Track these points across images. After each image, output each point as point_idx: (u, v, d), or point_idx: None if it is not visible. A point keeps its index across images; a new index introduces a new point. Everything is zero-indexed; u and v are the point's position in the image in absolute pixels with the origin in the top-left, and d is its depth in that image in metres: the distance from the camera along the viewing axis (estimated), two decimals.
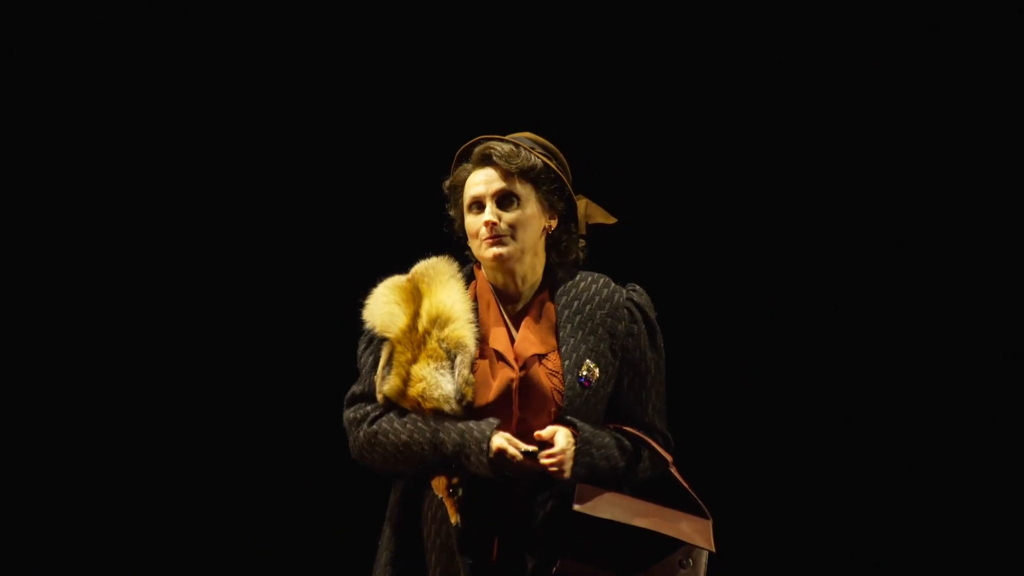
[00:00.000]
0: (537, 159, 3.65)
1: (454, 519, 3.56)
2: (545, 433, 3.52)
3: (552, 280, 3.71)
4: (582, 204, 3.74)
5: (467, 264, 3.74)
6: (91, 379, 5.28)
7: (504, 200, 3.64)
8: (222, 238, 5.31)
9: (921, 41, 5.24)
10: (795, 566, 5.27)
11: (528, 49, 5.29)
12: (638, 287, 3.75)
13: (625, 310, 3.69)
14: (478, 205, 3.65)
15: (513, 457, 3.48)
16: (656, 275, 3.89)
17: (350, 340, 3.73)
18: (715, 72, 5.31)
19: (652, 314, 3.73)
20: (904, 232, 5.29)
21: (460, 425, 3.52)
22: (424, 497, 3.62)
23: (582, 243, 3.75)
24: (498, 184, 3.64)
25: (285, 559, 5.31)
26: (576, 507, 3.49)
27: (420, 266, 3.70)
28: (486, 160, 3.65)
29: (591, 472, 3.56)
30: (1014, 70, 5.22)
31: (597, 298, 3.69)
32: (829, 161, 5.30)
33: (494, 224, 3.62)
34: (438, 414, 3.54)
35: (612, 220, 3.78)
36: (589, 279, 3.72)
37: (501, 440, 3.50)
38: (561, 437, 3.52)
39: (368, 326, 3.65)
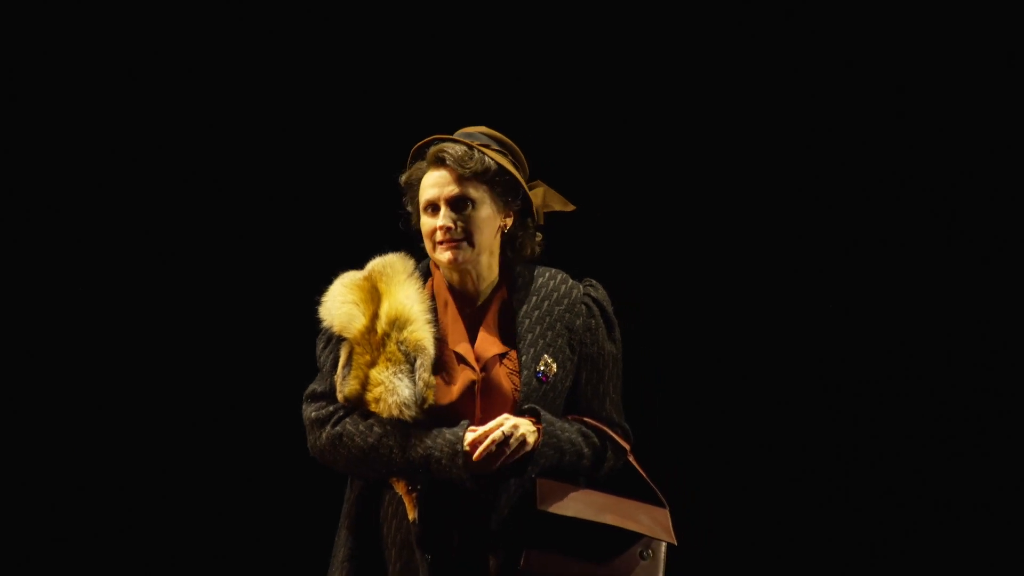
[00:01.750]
0: (491, 161, 3.63)
1: (412, 515, 3.55)
2: (494, 422, 3.51)
3: (509, 277, 3.71)
4: (539, 193, 3.73)
5: (423, 259, 3.73)
6: (56, 372, 5.30)
7: (458, 203, 3.62)
8: (175, 235, 5.31)
9: (902, 42, 5.20)
10: (755, 555, 5.27)
11: (485, 35, 5.26)
12: (594, 282, 3.75)
13: (582, 305, 3.70)
14: (432, 207, 3.64)
15: (488, 446, 3.46)
16: (614, 265, 3.85)
17: (304, 335, 3.73)
18: (678, 55, 5.28)
19: (609, 308, 3.73)
20: (879, 223, 5.27)
21: (432, 431, 3.52)
22: (383, 493, 3.62)
23: (539, 237, 3.74)
24: (452, 187, 3.62)
25: (241, 557, 5.32)
26: (540, 506, 3.50)
27: (377, 263, 3.68)
28: (440, 162, 3.63)
29: (558, 457, 3.56)
30: (1013, 70, 5.16)
31: (555, 294, 3.69)
32: (793, 145, 5.28)
33: (448, 228, 3.60)
34: (398, 419, 3.53)
35: (571, 207, 3.76)
36: (546, 275, 3.72)
37: (470, 435, 3.51)
38: (511, 419, 3.51)
39: (326, 324, 3.64)
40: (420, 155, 3.68)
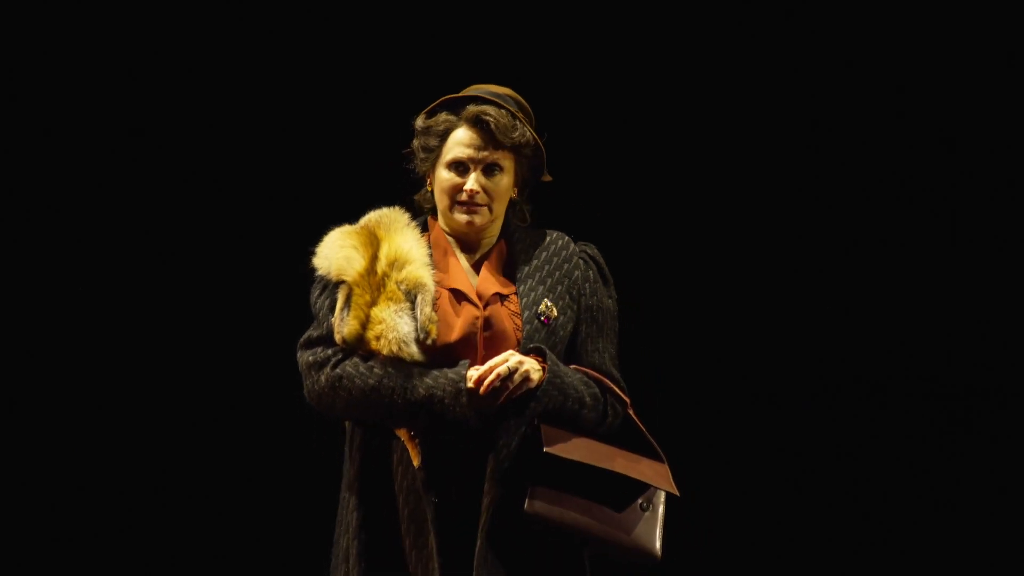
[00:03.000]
0: (531, 135, 3.63)
1: (416, 461, 3.52)
2: (499, 358, 3.48)
3: (507, 233, 3.72)
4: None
5: (418, 215, 3.72)
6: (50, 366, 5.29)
7: (489, 169, 3.61)
8: (174, 234, 5.31)
9: (902, 42, 5.22)
10: (754, 556, 5.26)
11: (484, 31, 5.29)
12: (590, 244, 3.76)
13: (580, 259, 3.70)
14: (460, 166, 3.61)
15: (493, 380, 3.43)
16: (613, 264, 3.84)
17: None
18: (678, 54, 5.31)
19: (605, 267, 3.73)
20: (879, 223, 5.29)
21: (433, 371, 3.48)
22: (389, 443, 3.58)
23: (529, 206, 3.75)
24: (488, 153, 3.60)
25: (240, 556, 5.31)
26: (546, 449, 3.46)
27: (372, 215, 3.66)
28: (480, 124, 3.60)
29: (561, 400, 3.52)
30: (1013, 70, 5.19)
31: (553, 247, 3.69)
32: (793, 144, 5.30)
33: (475, 193, 3.60)
34: (400, 360, 3.49)
35: (547, 179, 3.76)
36: (543, 231, 3.73)
37: (474, 372, 3.48)
38: (516, 355, 3.48)
39: (321, 272, 3.60)
40: (450, 107, 3.64)
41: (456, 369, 3.48)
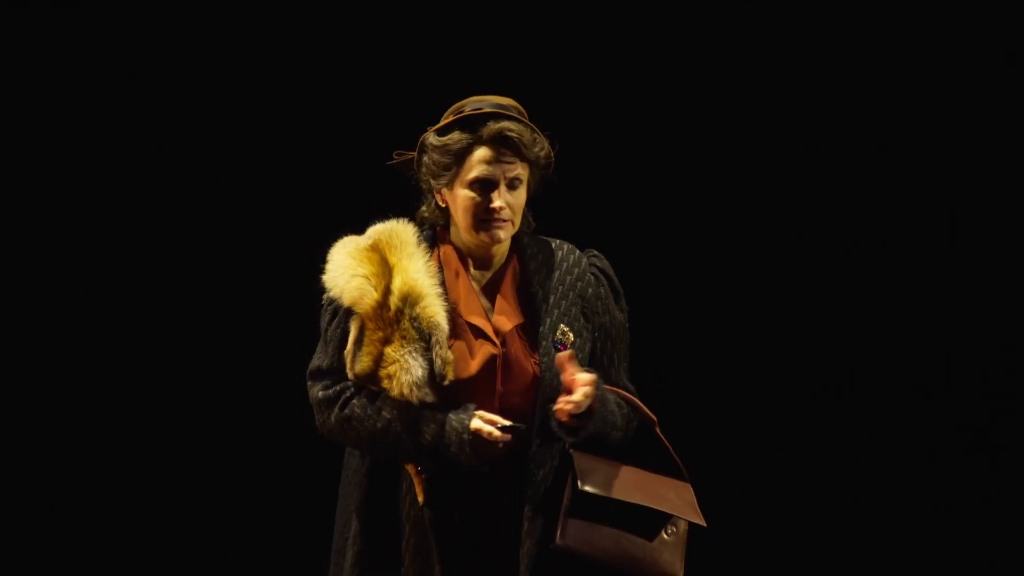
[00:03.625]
0: (549, 149, 3.59)
1: (420, 498, 3.52)
2: (579, 378, 3.46)
3: (519, 248, 3.66)
4: None
5: (421, 227, 3.66)
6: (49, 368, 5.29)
7: (512, 184, 3.56)
8: (174, 234, 5.30)
9: (902, 42, 5.22)
10: (755, 555, 5.28)
11: (482, 30, 5.26)
12: (597, 252, 3.72)
13: (591, 275, 3.66)
14: (484, 184, 3.54)
15: (490, 435, 3.43)
16: (613, 264, 3.83)
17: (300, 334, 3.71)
18: (677, 53, 5.28)
19: (614, 277, 3.70)
20: (878, 223, 5.28)
21: (439, 415, 3.46)
22: (399, 468, 3.57)
23: (530, 211, 3.70)
24: (514, 169, 3.54)
25: (240, 556, 5.32)
26: (583, 486, 3.44)
27: (382, 232, 3.59)
28: (503, 142, 3.53)
29: (601, 427, 3.51)
30: (1013, 70, 5.19)
31: (565, 264, 3.65)
32: (792, 144, 5.29)
33: (502, 209, 3.55)
34: (408, 402, 3.47)
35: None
36: (553, 245, 3.68)
37: (478, 422, 3.45)
38: (587, 380, 3.47)
39: (334, 295, 3.55)
40: (469, 125, 3.55)
41: (460, 417, 3.45)
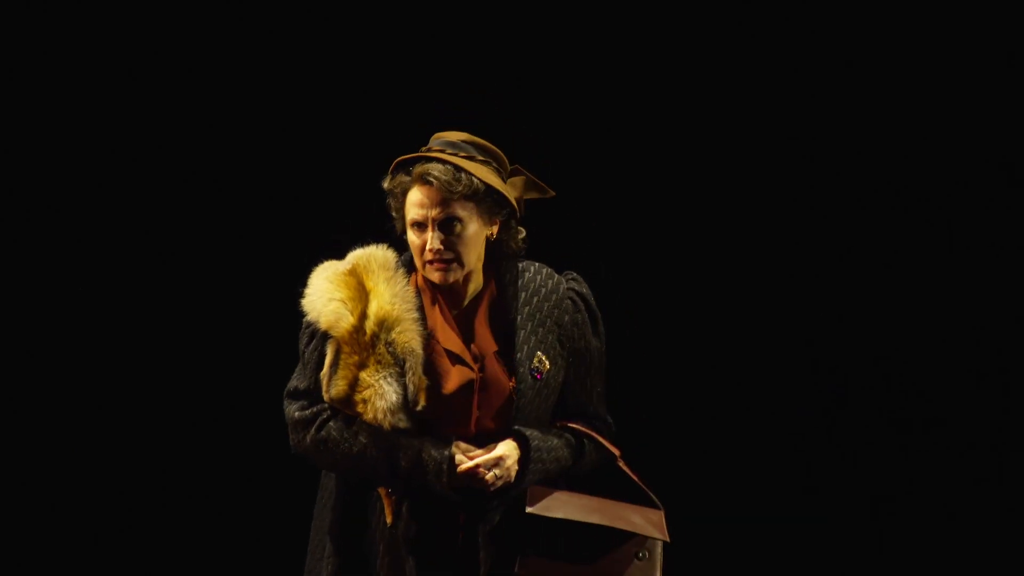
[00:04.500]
0: (479, 182, 3.58)
1: (389, 519, 3.56)
2: (488, 455, 3.53)
3: (496, 275, 3.68)
4: (518, 183, 3.68)
5: (405, 250, 3.69)
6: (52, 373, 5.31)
7: (446, 225, 3.57)
8: (174, 234, 5.32)
9: (903, 42, 5.19)
10: (750, 560, 5.27)
11: (478, 33, 5.26)
12: (576, 275, 3.74)
13: (568, 300, 3.68)
14: (419, 226, 3.59)
15: (467, 469, 3.51)
16: (607, 253, 3.84)
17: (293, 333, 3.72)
18: (674, 55, 5.27)
19: (592, 302, 3.72)
20: (875, 228, 5.27)
21: (416, 442, 3.52)
22: (372, 490, 3.61)
23: (522, 233, 3.71)
24: (439, 210, 3.56)
25: (240, 556, 5.35)
26: (529, 509, 3.51)
27: (360, 256, 3.63)
28: (426, 182, 3.57)
29: (544, 477, 3.59)
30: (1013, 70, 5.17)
31: (543, 290, 3.67)
32: (789, 149, 5.28)
33: (438, 251, 3.57)
34: (383, 429, 3.52)
35: (550, 194, 3.72)
36: (532, 270, 3.70)
37: (459, 455, 3.52)
38: (499, 449, 3.54)
39: (312, 318, 3.59)
40: (404, 167, 3.62)
41: (439, 447, 3.52)
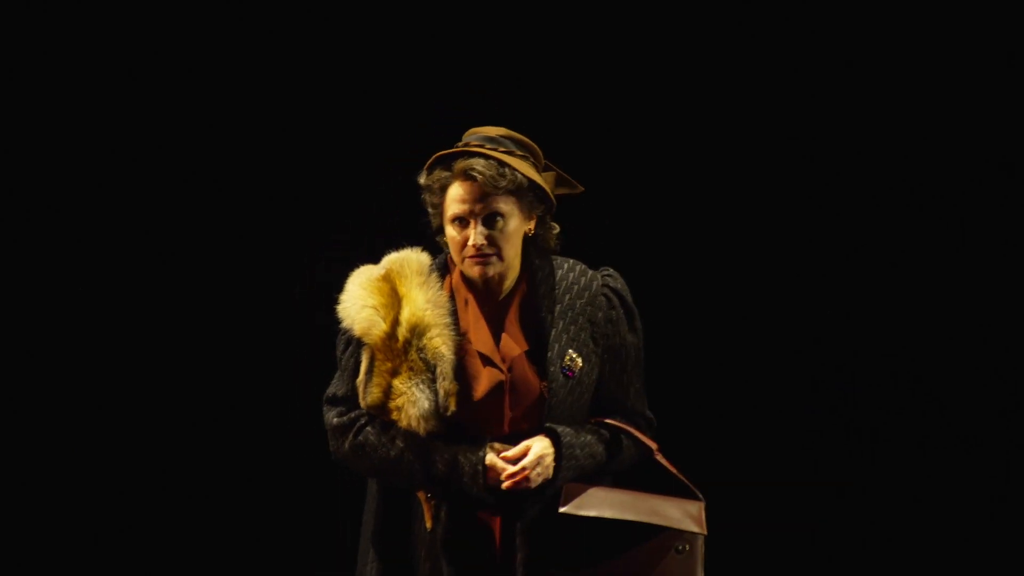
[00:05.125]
0: (523, 178, 3.58)
1: (428, 523, 3.57)
2: (519, 449, 3.54)
3: (529, 272, 3.67)
4: (550, 178, 3.69)
5: (438, 253, 3.70)
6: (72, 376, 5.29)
7: (488, 220, 3.58)
8: (175, 235, 5.29)
9: (905, 43, 5.21)
10: (792, 547, 5.27)
11: (495, 26, 5.23)
12: (612, 271, 3.73)
13: (602, 297, 3.68)
14: (460, 221, 3.59)
15: (503, 471, 3.51)
16: (626, 250, 3.84)
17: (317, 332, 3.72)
18: (682, 54, 5.25)
19: (628, 297, 3.71)
20: (883, 227, 5.26)
21: (451, 446, 3.53)
22: (413, 495, 3.63)
23: (556, 229, 3.70)
24: (483, 205, 3.57)
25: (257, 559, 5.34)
26: (562, 508, 3.52)
27: (394, 260, 3.65)
28: (469, 178, 3.57)
29: (579, 473, 3.58)
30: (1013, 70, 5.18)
31: (575, 287, 3.67)
32: (796, 149, 5.27)
33: (480, 245, 3.57)
34: (418, 434, 3.53)
35: (579, 189, 3.73)
36: (565, 267, 3.69)
37: (492, 457, 3.53)
38: (536, 448, 3.54)
39: (346, 325, 3.61)
40: (443, 162, 3.61)
41: (475, 450, 3.53)
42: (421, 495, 3.58)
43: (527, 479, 3.52)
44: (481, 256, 3.58)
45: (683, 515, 3.54)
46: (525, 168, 3.59)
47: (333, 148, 5.26)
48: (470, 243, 3.57)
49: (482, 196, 3.57)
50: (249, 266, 5.27)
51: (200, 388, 5.28)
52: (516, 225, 3.60)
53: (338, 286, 3.64)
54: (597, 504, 3.52)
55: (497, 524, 3.57)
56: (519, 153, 3.62)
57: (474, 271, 3.59)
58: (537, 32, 5.23)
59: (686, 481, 3.60)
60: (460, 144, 3.64)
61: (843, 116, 5.24)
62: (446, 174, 3.60)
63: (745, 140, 5.26)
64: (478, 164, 3.56)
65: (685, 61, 5.26)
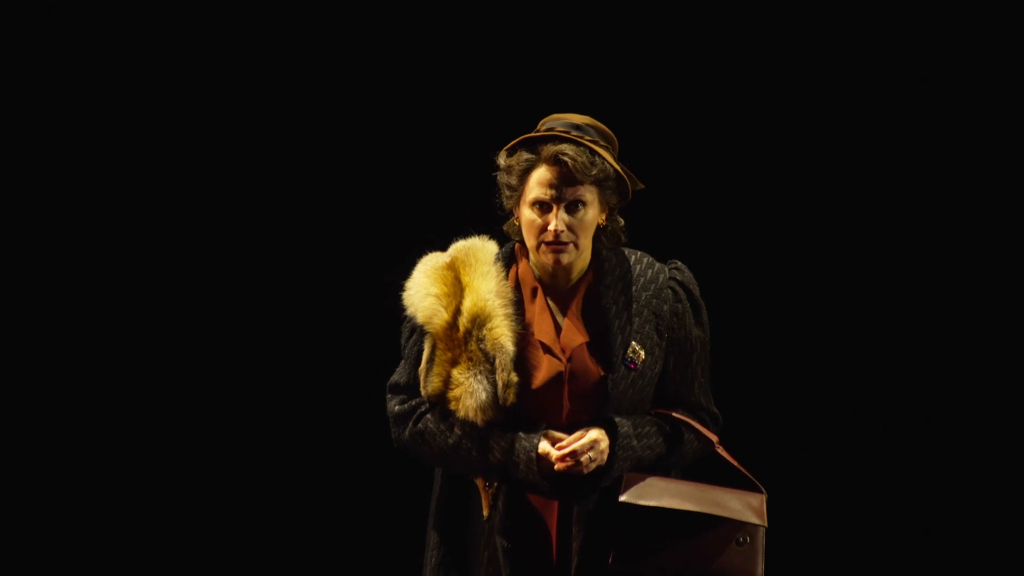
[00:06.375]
0: (611, 168, 3.58)
1: (486, 511, 3.59)
2: (573, 437, 3.54)
3: (597, 263, 3.67)
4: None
5: (504, 241, 3.70)
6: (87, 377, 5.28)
7: (572, 207, 3.57)
8: (175, 235, 5.29)
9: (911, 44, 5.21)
10: (854, 540, 5.26)
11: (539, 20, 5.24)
12: (680, 264, 3.72)
13: (669, 290, 3.66)
14: (542, 205, 3.57)
15: (555, 461, 3.52)
16: (693, 245, 3.83)
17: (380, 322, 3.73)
18: (690, 55, 5.25)
19: (696, 290, 3.70)
20: (904, 228, 5.25)
21: (509, 434, 3.54)
22: (472, 482, 3.65)
23: (622, 222, 3.69)
24: (569, 191, 3.55)
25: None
26: (622, 498, 3.52)
27: (460, 249, 3.65)
28: (558, 162, 3.55)
29: (636, 464, 3.58)
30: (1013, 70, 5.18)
31: (641, 279, 3.65)
32: (809, 153, 5.25)
33: (560, 232, 3.56)
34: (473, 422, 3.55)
35: (640, 186, 3.70)
36: (632, 259, 3.68)
37: (546, 445, 3.53)
38: (590, 435, 3.54)
39: (410, 312, 3.62)
40: (528, 144, 3.59)
41: (531, 438, 3.53)
42: (479, 482, 3.59)
43: (579, 463, 3.51)
44: (558, 244, 3.56)
45: (744, 507, 3.54)
46: (612, 161, 3.59)
47: (333, 148, 5.27)
48: (550, 228, 3.56)
49: (570, 182, 3.55)
50: (254, 266, 5.27)
51: (271, 376, 5.28)
52: (594, 215, 3.59)
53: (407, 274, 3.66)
54: (657, 494, 3.53)
55: (554, 513, 3.57)
56: (603, 144, 3.61)
57: (548, 257, 3.58)
58: (610, 28, 5.22)
59: (747, 473, 3.60)
60: (543, 128, 3.62)
61: (848, 119, 5.23)
62: (531, 157, 3.58)
63: (822, 137, 5.24)
64: (569, 150, 3.55)
65: (742, 62, 5.25)
